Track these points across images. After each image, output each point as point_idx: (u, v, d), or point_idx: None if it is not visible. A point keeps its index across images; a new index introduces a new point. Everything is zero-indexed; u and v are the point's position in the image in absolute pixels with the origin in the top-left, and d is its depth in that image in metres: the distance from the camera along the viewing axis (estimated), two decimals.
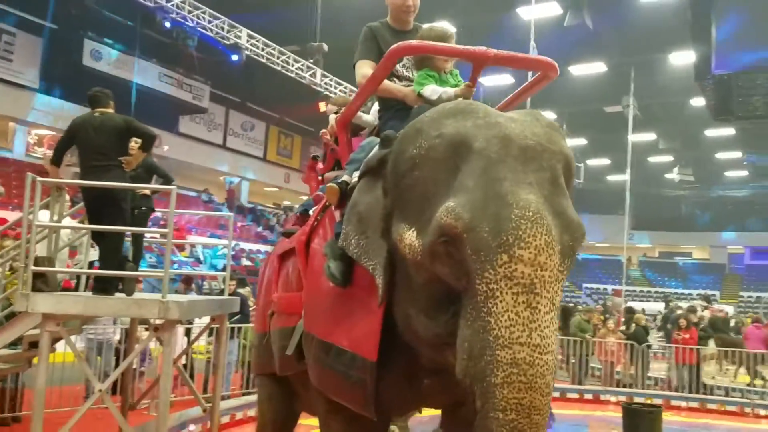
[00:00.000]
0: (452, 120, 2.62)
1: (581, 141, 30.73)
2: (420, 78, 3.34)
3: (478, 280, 2.33)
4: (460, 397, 2.84)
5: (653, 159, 33.57)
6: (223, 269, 19.08)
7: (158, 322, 5.19)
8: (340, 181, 3.34)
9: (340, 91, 19.65)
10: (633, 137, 20.78)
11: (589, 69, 21.97)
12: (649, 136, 28.73)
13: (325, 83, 19.16)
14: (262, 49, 19.13)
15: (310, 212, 3.95)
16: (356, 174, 3.23)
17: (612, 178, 34.97)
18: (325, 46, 18.41)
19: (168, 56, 21.73)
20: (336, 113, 4.07)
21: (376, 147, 3.32)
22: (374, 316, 2.82)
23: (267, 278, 4.38)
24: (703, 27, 14.77)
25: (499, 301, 2.29)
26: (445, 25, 3.68)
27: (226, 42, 18.11)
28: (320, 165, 4.37)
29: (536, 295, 2.30)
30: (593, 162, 33.75)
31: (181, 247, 20.47)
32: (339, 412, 3.11)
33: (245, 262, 23.34)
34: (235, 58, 18.50)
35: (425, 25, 3.57)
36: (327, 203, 3.48)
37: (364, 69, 3.50)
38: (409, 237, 2.59)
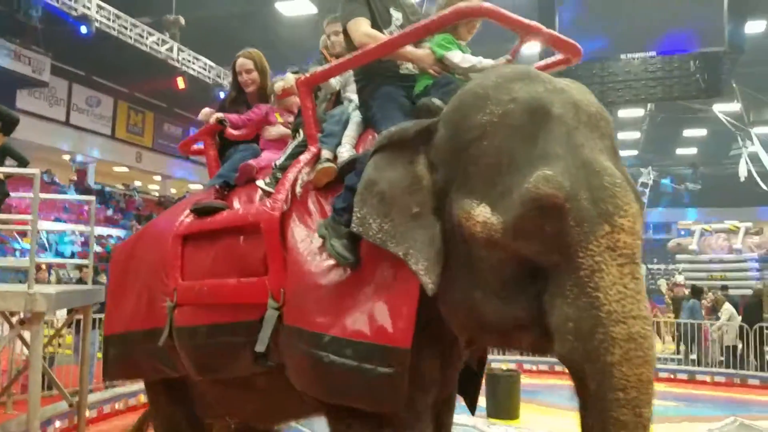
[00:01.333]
0: (521, 84, 2.44)
1: None
2: (443, 41, 3.00)
3: (581, 253, 2.18)
4: (445, 394, 3.00)
5: None
6: (72, 256, 17.81)
7: (23, 315, 4.88)
8: (324, 159, 3.08)
9: (199, 66, 18.92)
10: None
11: None
12: None
13: (183, 58, 18.36)
14: (113, 21, 17.95)
15: (232, 183, 3.68)
16: (345, 150, 3.08)
17: None
18: (182, 20, 17.61)
19: (7, 27, 19.78)
20: (296, 72, 3.66)
21: (355, 117, 3.25)
22: (406, 299, 2.55)
23: (150, 263, 3.78)
24: (547, 15, 15.55)
25: (605, 275, 2.17)
26: None
27: (73, 13, 16.77)
28: (231, 131, 3.93)
29: (637, 265, 2.23)
30: None
31: (22, 234, 18.88)
32: (355, 418, 2.72)
33: (96, 248, 21.96)
34: (84, 30, 17.19)
35: None
36: (315, 184, 3.11)
37: (365, 27, 3.11)
38: (482, 213, 2.34)
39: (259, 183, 3.38)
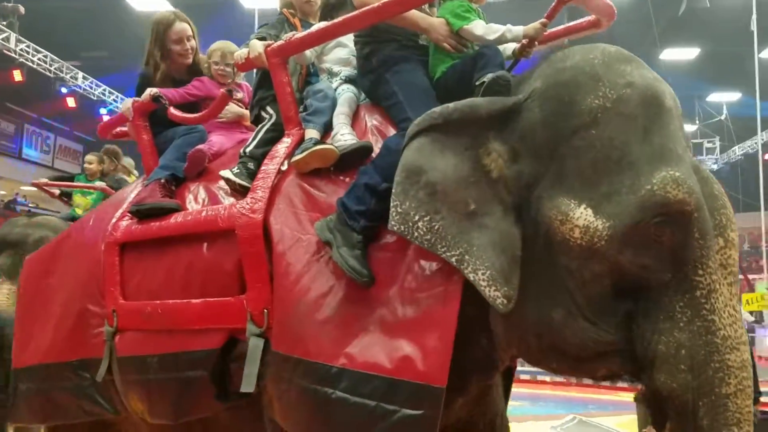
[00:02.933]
0: (632, 67, 2.11)
1: None
2: (458, 9, 2.50)
3: (701, 270, 1.92)
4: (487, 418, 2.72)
5: None
6: None
7: None
8: (312, 140, 2.58)
9: (38, 59, 17.45)
10: None
11: None
12: None
13: (21, 49, 16.85)
14: None
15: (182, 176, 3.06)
16: (345, 132, 2.56)
17: None
18: (22, 8, 16.18)
19: None
20: (262, 39, 2.89)
21: (345, 92, 2.74)
22: (440, 324, 2.07)
23: (76, 280, 3.14)
24: None
25: (719, 295, 1.93)
26: None
27: None
28: (175, 111, 3.24)
29: (737, 284, 2.02)
30: None
31: None
32: None
33: None
34: None
35: None
36: (300, 169, 2.55)
37: None
38: (583, 216, 1.97)
39: (225, 173, 2.74)
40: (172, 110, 3.23)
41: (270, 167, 2.64)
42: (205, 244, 2.69)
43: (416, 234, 2.09)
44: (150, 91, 3.27)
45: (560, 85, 2.11)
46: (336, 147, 2.52)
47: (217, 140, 3.28)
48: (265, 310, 2.42)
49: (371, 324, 2.18)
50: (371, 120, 2.66)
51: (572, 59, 2.16)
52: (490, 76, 2.23)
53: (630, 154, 1.98)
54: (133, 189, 3.36)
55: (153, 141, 3.35)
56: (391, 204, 2.12)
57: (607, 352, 2.05)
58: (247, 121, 3.41)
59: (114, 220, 3.11)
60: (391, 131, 2.54)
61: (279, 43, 2.74)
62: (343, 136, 2.57)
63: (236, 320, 2.50)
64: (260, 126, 2.94)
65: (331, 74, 2.94)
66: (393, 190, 2.14)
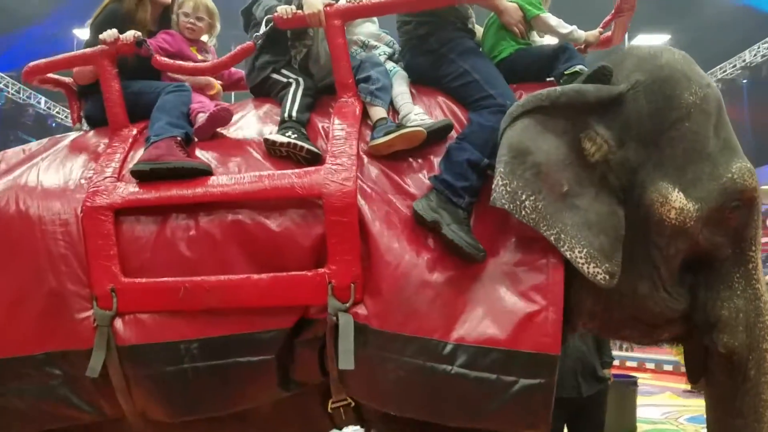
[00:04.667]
0: (700, 70, 2.46)
1: None
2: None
3: (754, 247, 2.38)
4: None
5: None
6: None
7: None
8: (398, 121, 2.54)
9: None
10: None
11: None
12: None
13: None
14: None
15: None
16: (417, 111, 2.54)
17: None
18: None
19: None
20: None
21: (398, 70, 2.74)
22: (549, 294, 2.17)
23: (36, 254, 2.55)
24: None
25: (760, 268, 2.39)
26: None
27: None
28: (163, 59, 2.83)
29: None
30: None
31: None
32: None
33: None
34: None
35: None
36: (384, 152, 2.46)
37: None
38: (679, 199, 2.28)
39: (278, 138, 2.50)
40: (163, 60, 2.86)
41: (342, 134, 2.50)
42: (270, 213, 2.42)
43: (523, 213, 2.22)
44: (134, 33, 2.82)
45: (662, 81, 2.35)
46: (423, 127, 2.47)
47: (204, 101, 2.92)
48: (353, 285, 2.30)
49: (479, 298, 2.22)
50: (436, 100, 2.68)
51: (663, 57, 2.42)
52: (599, 66, 2.38)
53: (708, 147, 2.34)
54: (93, 144, 2.87)
55: (121, 92, 2.86)
56: (499, 182, 2.23)
57: (674, 319, 2.40)
58: (212, 91, 3.09)
59: (93, 182, 2.62)
60: (457, 109, 2.62)
61: (344, 5, 2.66)
62: (418, 116, 2.56)
63: (312, 297, 2.33)
64: (292, 90, 2.71)
65: (365, 47, 2.90)
66: (499, 169, 2.25)
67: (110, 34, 2.80)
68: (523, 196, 2.23)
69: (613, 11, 2.90)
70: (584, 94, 2.32)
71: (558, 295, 2.19)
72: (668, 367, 11.09)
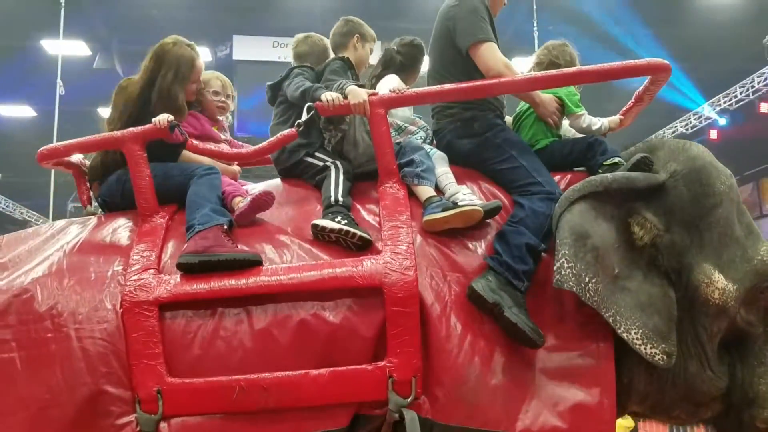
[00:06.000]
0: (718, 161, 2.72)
1: None
2: (574, 98, 3.02)
3: None
4: None
5: None
6: None
7: None
8: (457, 201, 2.60)
9: None
10: None
11: None
12: None
13: None
14: None
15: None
16: (464, 192, 2.63)
17: None
18: None
19: None
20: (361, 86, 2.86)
21: (436, 152, 2.83)
22: (603, 382, 2.28)
23: (74, 353, 2.34)
24: None
25: None
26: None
27: None
28: (199, 143, 2.89)
29: None
30: None
31: None
32: None
33: None
34: None
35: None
36: (437, 228, 2.51)
37: (501, 55, 2.81)
38: (721, 280, 2.44)
39: (328, 224, 2.48)
40: (199, 144, 2.88)
41: (395, 221, 2.51)
42: (326, 303, 2.36)
43: (587, 295, 2.33)
44: (167, 117, 2.72)
45: (697, 170, 2.59)
46: (480, 208, 2.55)
47: (236, 185, 2.91)
48: (413, 379, 2.25)
49: (537, 385, 2.27)
50: (476, 181, 2.80)
51: (693, 149, 2.68)
52: (640, 157, 2.59)
53: (736, 231, 2.57)
54: (120, 232, 2.73)
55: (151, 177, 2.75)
56: (564, 264, 2.31)
57: (717, 396, 2.54)
58: (236, 177, 3.11)
59: (130, 275, 2.47)
60: (497, 191, 2.75)
61: (388, 94, 2.76)
62: (466, 195, 2.64)
63: (371, 392, 2.26)
64: (333, 174, 2.74)
65: (401, 130, 3.02)
66: (564, 251, 2.35)
67: (164, 118, 2.71)
68: (587, 279, 2.33)
69: (633, 100, 3.16)
70: (633, 181, 2.49)
71: (611, 381, 2.28)
72: None
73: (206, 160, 2.97)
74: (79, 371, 2.32)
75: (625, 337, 2.31)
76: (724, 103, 14.36)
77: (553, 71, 2.85)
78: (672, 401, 2.54)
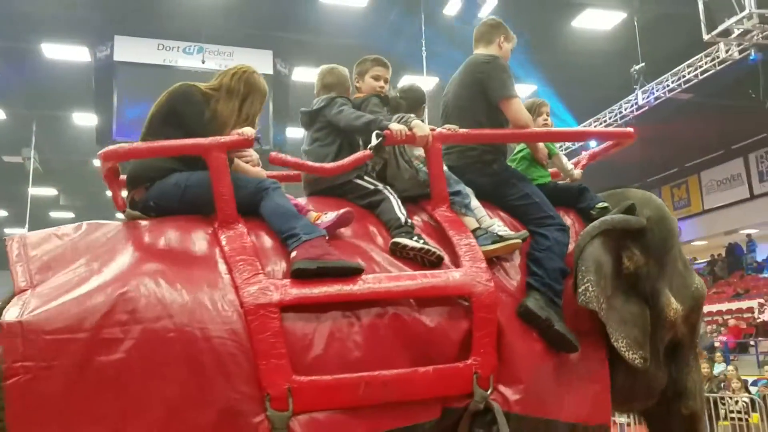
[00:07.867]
0: None
1: None
2: (552, 144, 3.81)
3: (697, 336, 3.35)
4: None
5: (54, 214, 28.57)
6: None
7: None
8: (510, 233, 3.06)
9: None
10: (33, 190, 19.79)
11: None
12: (50, 191, 25.28)
13: None
14: None
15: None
16: (499, 226, 3.08)
17: (9, 230, 28.19)
18: None
19: None
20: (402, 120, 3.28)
21: (465, 188, 3.25)
22: (600, 379, 2.96)
23: (201, 361, 2.34)
24: (105, 95, 14.28)
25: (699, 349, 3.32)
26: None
27: None
28: (294, 158, 3.16)
29: None
30: None
31: None
32: None
33: None
34: None
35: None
36: (488, 257, 2.97)
37: (525, 109, 3.41)
38: (674, 302, 3.19)
39: (408, 242, 2.84)
40: (281, 156, 3.06)
41: (468, 241, 2.95)
42: (420, 309, 2.67)
43: (601, 313, 2.93)
44: (252, 130, 2.94)
45: (663, 218, 3.31)
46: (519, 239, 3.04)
47: (290, 198, 3.04)
48: (492, 375, 2.69)
49: (569, 383, 2.87)
50: (496, 212, 3.32)
51: (657, 201, 3.46)
52: (630, 204, 3.25)
53: (679, 265, 3.37)
54: (202, 238, 2.74)
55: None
56: (589, 287, 2.89)
57: (660, 389, 3.29)
58: None
59: (243, 280, 2.53)
60: (513, 221, 3.28)
61: (445, 132, 3.22)
62: (500, 227, 3.08)
63: (459, 387, 2.64)
64: (392, 198, 3.08)
65: (423, 162, 3.33)
66: (589, 277, 2.92)
67: (251, 131, 2.90)
68: (601, 299, 2.93)
69: (587, 158, 3.99)
70: (630, 222, 3.15)
71: (607, 382, 2.97)
72: None
73: (253, 171, 3.25)
74: (210, 371, 2.34)
75: (616, 345, 2.92)
76: (595, 126, 15.47)
77: (557, 129, 3.87)
78: (643, 396, 3.26)
